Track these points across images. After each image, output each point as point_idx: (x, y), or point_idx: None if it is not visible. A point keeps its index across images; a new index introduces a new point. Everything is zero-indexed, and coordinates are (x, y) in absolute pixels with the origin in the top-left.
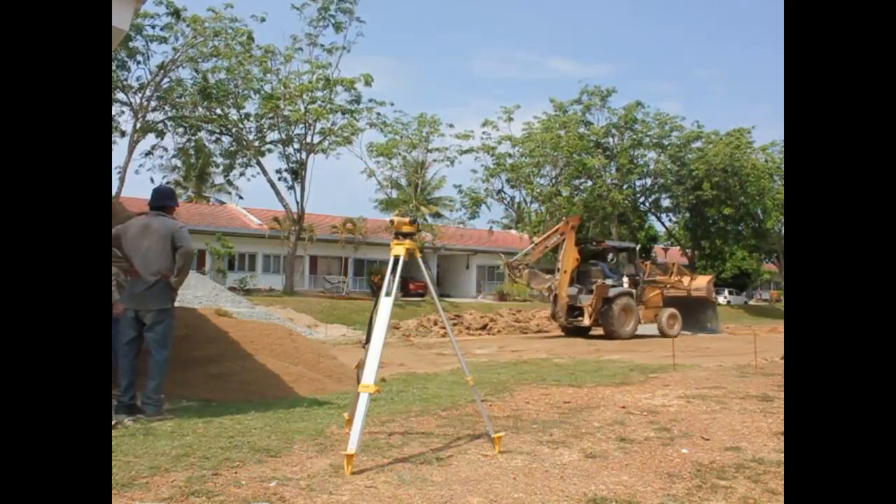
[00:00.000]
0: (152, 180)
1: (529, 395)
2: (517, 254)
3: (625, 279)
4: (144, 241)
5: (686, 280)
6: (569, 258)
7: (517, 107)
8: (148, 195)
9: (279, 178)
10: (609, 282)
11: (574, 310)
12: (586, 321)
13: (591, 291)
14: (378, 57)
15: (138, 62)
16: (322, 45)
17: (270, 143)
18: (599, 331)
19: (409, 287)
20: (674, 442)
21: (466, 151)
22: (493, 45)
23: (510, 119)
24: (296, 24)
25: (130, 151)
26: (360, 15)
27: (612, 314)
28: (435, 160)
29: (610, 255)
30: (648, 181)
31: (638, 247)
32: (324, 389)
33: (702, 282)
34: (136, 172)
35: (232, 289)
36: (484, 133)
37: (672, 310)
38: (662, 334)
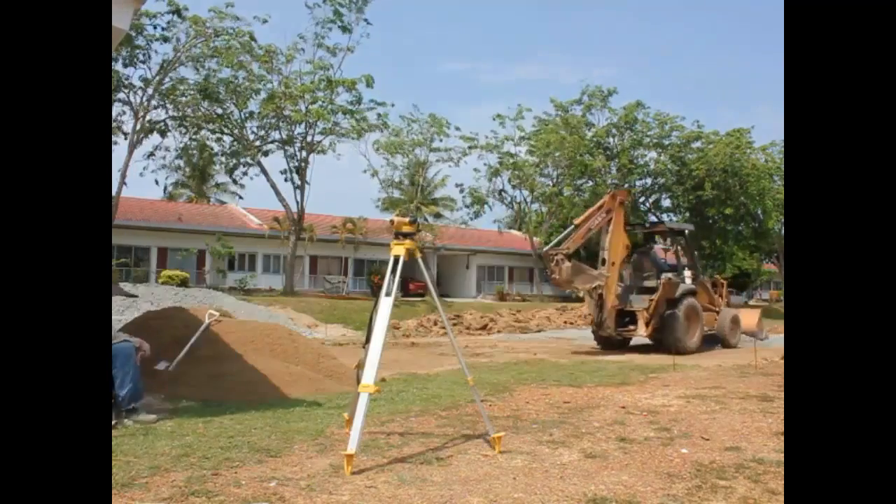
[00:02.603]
0: (157, 182)
1: (529, 395)
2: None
3: (686, 273)
4: None
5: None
6: (617, 245)
7: (528, 109)
8: (151, 195)
9: (285, 180)
10: (671, 277)
11: (624, 315)
12: (641, 330)
13: (643, 290)
14: (378, 52)
15: (140, 61)
16: (326, 47)
17: (272, 142)
18: (640, 340)
19: (409, 287)
20: (674, 442)
21: (471, 148)
22: (495, 46)
23: (521, 118)
24: (299, 24)
25: (131, 151)
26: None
27: (676, 321)
28: (439, 159)
29: (668, 241)
30: (649, 181)
31: (690, 229)
32: (324, 389)
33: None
34: (140, 175)
35: (232, 289)
36: (492, 132)
37: (734, 312)
38: (723, 344)
